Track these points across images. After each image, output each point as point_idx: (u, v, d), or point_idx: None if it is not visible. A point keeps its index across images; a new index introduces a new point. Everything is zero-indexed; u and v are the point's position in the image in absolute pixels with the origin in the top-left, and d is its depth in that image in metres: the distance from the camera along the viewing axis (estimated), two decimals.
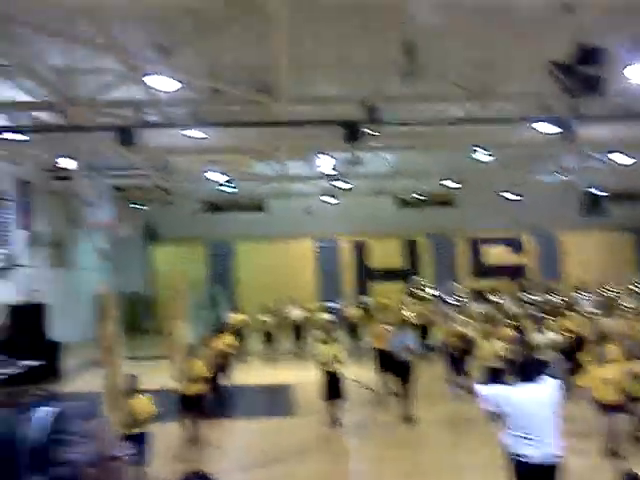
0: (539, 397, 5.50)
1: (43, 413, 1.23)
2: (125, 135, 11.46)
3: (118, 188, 19.76)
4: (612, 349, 9.21)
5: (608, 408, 8.56)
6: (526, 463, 5.36)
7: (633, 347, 9.48)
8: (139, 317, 24.55)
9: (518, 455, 5.42)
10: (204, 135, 12.90)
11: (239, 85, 10.92)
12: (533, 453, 5.36)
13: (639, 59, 8.75)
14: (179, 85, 10.03)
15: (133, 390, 7.66)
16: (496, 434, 5.77)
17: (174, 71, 9.73)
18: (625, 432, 8.75)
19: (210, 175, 17.89)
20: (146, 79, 9.80)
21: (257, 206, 22.60)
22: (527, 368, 5.78)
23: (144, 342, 20.09)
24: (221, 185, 18.72)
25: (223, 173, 17.90)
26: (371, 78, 10.96)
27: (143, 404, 7.65)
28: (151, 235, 26.19)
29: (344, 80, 11.48)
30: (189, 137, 12.12)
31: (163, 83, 10.11)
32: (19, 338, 13.76)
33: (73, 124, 11.78)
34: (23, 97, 11.10)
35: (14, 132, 11.70)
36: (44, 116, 12.37)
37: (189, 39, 8.94)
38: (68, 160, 14.23)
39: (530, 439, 5.36)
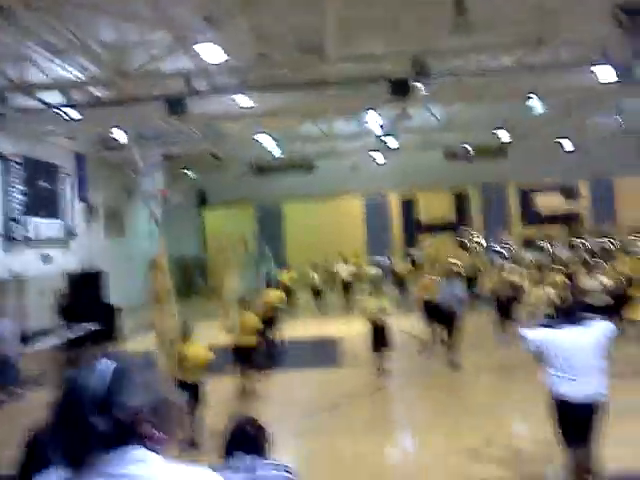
0: (583, 339, 5.57)
1: (104, 366, 1.35)
2: (175, 105, 11.59)
3: (169, 156, 20.02)
4: None
5: None
6: (567, 402, 5.47)
7: None
8: (193, 279, 25.20)
9: (560, 395, 5.52)
10: (251, 101, 12.90)
11: (286, 48, 10.85)
12: (575, 393, 5.45)
13: None
14: (226, 56, 10.01)
15: (187, 336, 7.79)
16: (540, 377, 5.85)
17: (221, 40, 9.71)
18: None
19: (259, 138, 17.92)
20: (195, 49, 9.81)
21: (305, 166, 22.55)
22: (571, 311, 5.83)
23: (198, 302, 20.67)
24: (269, 147, 18.77)
25: (271, 136, 17.91)
26: (419, 33, 10.72)
27: (198, 350, 7.71)
28: (201, 200, 26.58)
29: (391, 37, 11.24)
30: (237, 104, 12.13)
31: (211, 53, 10.12)
32: (79, 304, 14.31)
33: (125, 97, 11.96)
34: (77, 74, 11.28)
35: (70, 107, 11.91)
36: (97, 91, 12.56)
37: (235, 8, 8.89)
38: (120, 132, 14.46)
39: (572, 379, 5.46)
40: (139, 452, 1.46)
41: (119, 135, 14.60)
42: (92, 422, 1.43)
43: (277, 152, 19.36)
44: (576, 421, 5.55)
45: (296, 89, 12.06)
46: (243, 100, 11.98)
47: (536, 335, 5.94)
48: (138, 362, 1.57)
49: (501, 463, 6.83)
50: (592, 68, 11.77)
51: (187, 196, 24.02)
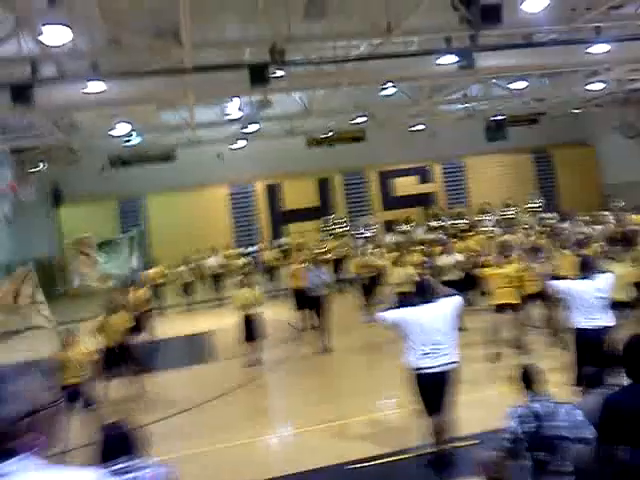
0: (435, 314, 6.07)
1: None
2: (19, 92, 10.83)
3: (19, 150, 18.66)
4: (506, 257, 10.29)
5: (505, 307, 9.73)
6: (423, 374, 5.92)
7: (527, 254, 10.70)
8: (49, 281, 23.70)
9: (417, 367, 5.97)
10: (105, 88, 12.33)
11: (140, 32, 10.48)
12: (429, 364, 5.90)
13: None
14: (72, 36, 9.48)
15: (71, 344, 7.93)
16: (400, 353, 6.24)
17: (68, 21, 9.18)
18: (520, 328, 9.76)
19: (116, 128, 17.21)
20: (40, 32, 9.21)
21: (166, 156, 21.96)
22: (424, 289, 6.31)
23: (58, 306, 19.57)
24: (127, 138, 18.08)
25: (128, 125, 17.25)
26: (276, 19, 10.78)
27: (80, 353, 7.94)
28: (57, 196, 25.02)
29: (248, 22, 11.23)
30: (89, 92, 11.55)
31: (58, 36, 9.54)
32: None
33: None
34: None
35: None
36: None
37: None
38: None
39: (427, 352, 5.91)
40: (18, 462, 1.44)
41: None
42: None
43: (136, 142, 18.68)
44: (432, 391, 5.97)
45: (152, 76, 11.69)
46: (95, 87, 11.43)
47: (392, 314, 6.32)
48: (7, 373, 1.53)
49: (369, 438, 7.17)
50: (437, 56, 12.48)
51: (40, 192, 22.52)
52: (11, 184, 18.60)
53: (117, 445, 3.33)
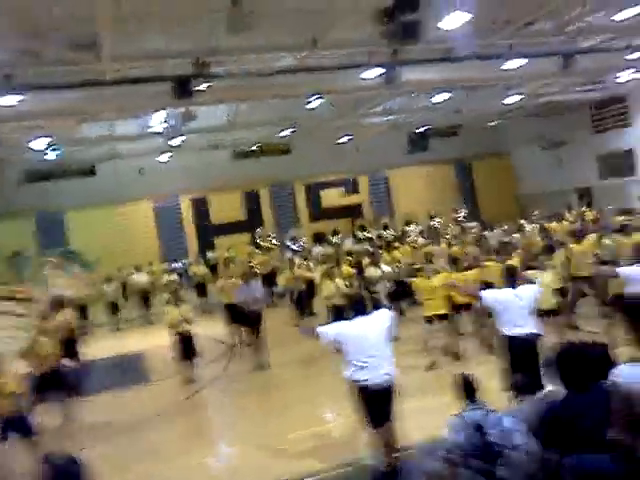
0: (370, 327, 6.13)
1: None
2: None
3: None
4: (435, 268, 10.57)
5: (435, 317, 10.02)
6: (365, 387, 5.98)
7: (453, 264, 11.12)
8: None
9: (357, 381, 6.01)
10: (19, 101, 11.83)
11: (57, 43, 10.11)
12: (369, 377, 5.97)
13: (452, 6, 9.35)
14: None
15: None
16: (340, 367, 6.26)
17: None
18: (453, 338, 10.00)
19: (33, 143, 16.50)
20: None
21: (87, 171, 21.21)
22: (357, 304, 6.41)
23: None
24: (45, 152, 17.38)
25: (48, 138, 16.59)
26: (200, 31, 10.66)
27: (10, 382, 7.45)
28: None
29: (171, 35, 11.04)
30: (4, 105, 11.06)
31: None
32: None
33: None
34: None
35: None
36: None
37: None
38: None
39: (365, 365, 5.97)
40: None
41: None
42: None
43: (54, 156, 17.98)
44: (373, 402, 6.00)
45: (69, 89, 11.31)
46: (9, 100, 10.94)
47: (329, 330, 6.34)
48: None
49: (313, 453, 7.10)
50: (362, 69, 12.69)
51: None
52: None
53: (63, 477, 3.20)
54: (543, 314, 8.05)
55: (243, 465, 7.45)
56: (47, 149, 17.20)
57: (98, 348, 14.97)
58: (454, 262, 11.54)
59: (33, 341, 9.41)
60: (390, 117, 21.69)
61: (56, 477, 3.19)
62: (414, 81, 13.64)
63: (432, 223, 23.11)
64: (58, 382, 9.47)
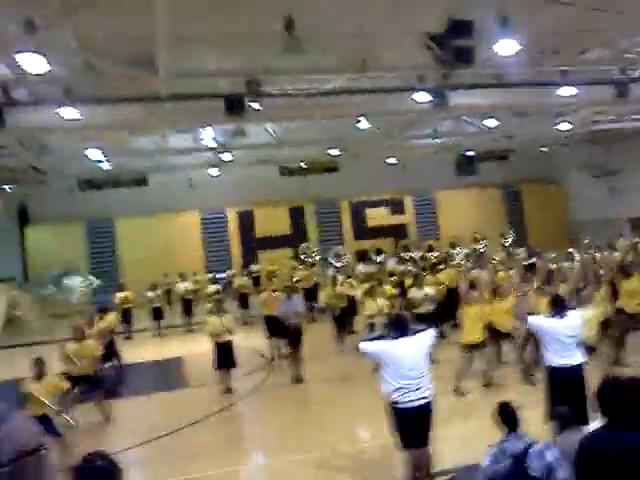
0: (411, 348, 6.10)
1: None
2: None
3: None
4: (476, 294, 10.31)
5: (475, 347, 9.85)
6: (403, 409, 5.93)
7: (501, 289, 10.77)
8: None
9: (395, 402, 5.97)
10: (78, 113, 12.28)
11: (115, 60, 10.49)
12: (407, 399, 5.92)
13: (505, 34, 9.31)
14: (49, 65, 9.46)
15: (40, 373, 7.76)
16: (378, 385, 6.23)
17: (43, 48, 9.16)
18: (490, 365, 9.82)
19: (88, 152, 17.08)
20: (14, 57, 9.16)
21: (138, 181, 21.79)
22: (399, 324, 6.38)
23: (23, 329, 19.21)
24: (99, 162, 17.95)
25: (101, 149, 17.14)
26: (253, 52, 10.90)
27: (49, 385, 7.78)
28: (24, 216, 24.62)
29: (225, 54, 11.32)
30: (62, 117, 11.48)
31: (32, 61, 9.49)
32: None
33: None
34: None
35: None
36: None
37: (59, 14, 8.45)
38: None
39: (402, 387, 5.92)
40: None
41: None
42: None
43: (106, 166, 18.54)
44: (409, 424, 5.96)
45: (126, 103, 11.69)
46: (69, 112, 11.37)
47: (371, 347, 6.33)
48: None
49: (347, 471, 7.08)
50: (411, 92, 12.72)
51: (7, 213, 22.16)
52: None
53: (95, 477, 3.19)
54: (585, 346, 7.86)
55: (276, 476, 7.48)
56: (101, 160, 17.75)
57: (139, 352, 15.32)
58: (494, 290, 11.33)
59: (77, 345, 9.69)
60: (439, 140, 21.61)
61: (88, 476, 3.24)
62: (463, 105, 13.57)
63: (478, 247, 22.81)
64: (98, 383, 9.74)
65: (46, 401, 7.59)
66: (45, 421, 7.45)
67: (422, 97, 12.54)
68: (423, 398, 6.02)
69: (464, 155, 23.91)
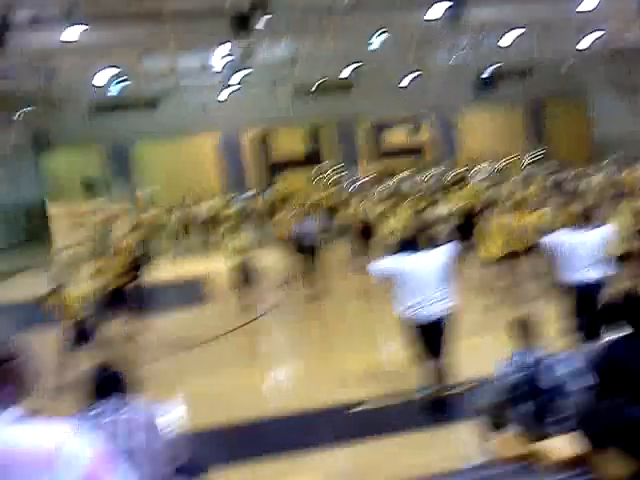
0: (426, 263, 6.08)
1: None
2: None
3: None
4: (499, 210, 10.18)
5: (499, 259, 9.68)
6: (417, 321, 6.01)
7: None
8: (36, 227, 23.62)
9: (410, 316, 6.04)
10: (81, 33, 12.02)
11: None
12: (422, 312, 5.98)
13: None
14: None
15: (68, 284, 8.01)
16: (392, 301, 6.31)
17: None
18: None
19: (99, 74, 16.83)
20: None
21: (151, 103, 21.52)
22: (409, 242, 6.35)
23: (45, 250, 19.60)
24: (110, 84, 17.71)
25: (112, 70, 16.87)
26: None
27: (78, 294, 7.97)
28: (41, 142, 24.62)
29: None
30: (67, 37, 11.28)
31: None
32: None
33: None
34: None
35: None
36: None
37: None
38: None
39: (420, 302, 5.97)
40: None
41: None
42: None
43: (117, 89, 18.29)
44: (427, 337, 6.04)
45: (130, 22, 11.41)
46: (73, 33, 11.15)
47: (384, 264, 6.36)
48: None
49: (363, 384, 7.26)
50: (428, 7, 12.23)
51: (24, 138, 22.18)
52: None
53: (104, 386, 3.35)
54: (615, 259, 7.72)
55: (292, 389, 7.74)
56: (111, 84, 17.51)
57: (159, 272, 15.61)
58: (517, 206, 11.20)
59: (107, 258, 9.94)
60: (457, 57, 20.88)
61: (100, 386, 3.38)
62: (480, 20, 13.04)
63: (498, 166, 22.50)
64: (122, 299, 10.00)
65: (77, 307, 7.83)
66: (78, 327, 7.77)
67: (437, 12, 12.05)
68: (438, 310, 6.05)
69: (484, 73, 23.14)
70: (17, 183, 22.65)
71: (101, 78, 17.01)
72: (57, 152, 24.66)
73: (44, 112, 21.61)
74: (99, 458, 1.42)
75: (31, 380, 1.52)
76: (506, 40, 17.82)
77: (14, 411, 1.44)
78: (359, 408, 6.52)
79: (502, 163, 22.81)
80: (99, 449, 1.44)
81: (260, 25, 11.37)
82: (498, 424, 4.21)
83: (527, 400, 4.11)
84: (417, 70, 22.62)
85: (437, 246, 6.42)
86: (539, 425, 4.08)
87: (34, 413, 1.50)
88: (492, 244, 9.84)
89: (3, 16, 10.06)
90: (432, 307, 6.01)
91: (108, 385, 3.36)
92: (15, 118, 20.72)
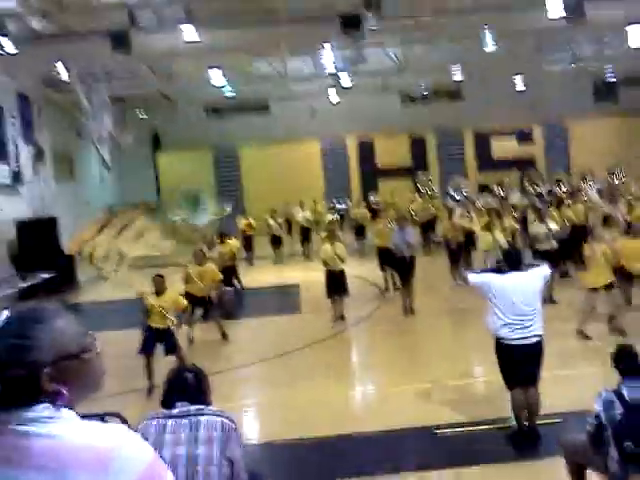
0: (522, 284, 5.77)
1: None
2: (118, 39, 11.16)
3: (119, 98, 19.37)
4: (607, 233, 9.46)
5: (601, 289, 8.92)
6: (511, 346, 5.66)
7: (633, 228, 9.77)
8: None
9: (503, 339, 5.71)
10: (198, 35, 12.48)
11: None
12: (512, 335, 5.63)
13: None
14: None
15: (161, 288, 8.09)
16: (486, 319, 6.00)
17: None
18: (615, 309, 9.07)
19: (212, 77, 17.44)
20: None
21: (260, 107, 22.11)
22: (511, 258, 6.03)
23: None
24: (222, 87, 18.30)
25: (223, 74, 17.43)
26: None
27: (169, 301, 8.08)
28: (155, 143, 25.92)
29: None
30: (184, 39, 11.73)
31: None
32: (32, 252, 13.99)
33: (65, 31, 11.45)
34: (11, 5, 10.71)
35: (3, 37, 11.27)
36: (34, 23, 11.95)
37: None
38: (63, 70, 13.88)
39: (510, 323, 5.63)
40: (43, 410, 1.36)
41: (63, 73, 14.03)
42: None
43: (229, 92, 18.86)
44: (515, 362, 5.72)
45: (244, 24, 11.71)
46: (190, 34, 11.58)
47: (479, 278, 6.08)
48: (44, 313, 1.43)
49: (451, 405, 6.96)
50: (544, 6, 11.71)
51: (140, 139, 23.39)
52: (113, 131, 19.36)
53: (184, 389, 3.36)
54: None
55: (379, 405, 7.51)
56: (224, 86, 18.07)
57: (258, 278, 15.87)
58: (628, 228, 10.41)
59: (198, 268, 10.14)
60: (574, 64, 19.92)
61: (175, 389, 3.38)
62: (602, 18, 12.32)
63: (613, 181, 21.20)
64: (215, 305, 10.22)
65: (167, 314, 7.96)
66: (165, 334, 7.89)
67: (555, 9, 11.50)
68: (532, 337, 5.72)
69: (604, 80, 21.94)
70: (132, 183, 23.91)
71: (213, 81, 17.57)
72: (169, 153, 25.80)
73: (160, 114, 22.68)
74: (154, 463, 1.40)
75: (96, 379, 1.48)
76: (629, 43, 16.71)
77: (73, 409, 1.42)
78: (445, 431, 6.21)
79: (621, 177, 21.43)
80: (154, 454, 1.42)
81: (371, 25, 11.30)
82: (580, 467, 3.89)
83: (617, 439, 3.77)
84: (530, 77, 21.80)
85: (534, 266, 6.09)
86: (629, 467, 3.71)
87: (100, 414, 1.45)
88: (600, 268, 9.05)
89: (129, 18, 10.60)
90: (526, 330, 5.68)
91: (186, 388, 3.36)
92: (133, 120, 21.84)
